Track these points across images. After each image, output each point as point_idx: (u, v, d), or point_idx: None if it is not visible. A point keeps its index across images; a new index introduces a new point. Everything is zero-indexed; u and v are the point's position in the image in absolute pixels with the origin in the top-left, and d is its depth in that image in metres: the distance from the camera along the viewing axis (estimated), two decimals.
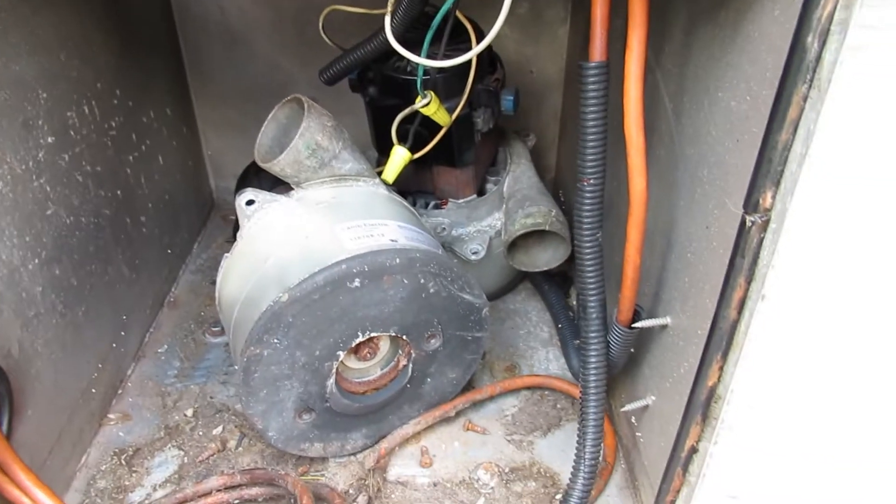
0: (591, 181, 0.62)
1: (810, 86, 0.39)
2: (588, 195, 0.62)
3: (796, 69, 0.39)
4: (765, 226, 0.44)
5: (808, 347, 0.48)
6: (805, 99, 0.39)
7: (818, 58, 0.38)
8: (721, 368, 0.51)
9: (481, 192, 1.02)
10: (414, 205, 0.99)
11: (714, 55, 0.57)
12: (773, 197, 0.43)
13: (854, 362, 0.49)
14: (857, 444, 0.55)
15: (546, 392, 0.93)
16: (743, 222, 0.46)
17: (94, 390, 0.87)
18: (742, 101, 0.52)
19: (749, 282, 0.46)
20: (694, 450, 0.57)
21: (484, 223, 1.00)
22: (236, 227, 1.00)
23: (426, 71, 0.83)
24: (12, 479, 0.64)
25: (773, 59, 0.46)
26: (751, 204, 0.45)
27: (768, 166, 0.42)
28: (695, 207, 0.61)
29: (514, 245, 0.97)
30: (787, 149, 0.41)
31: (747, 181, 0.48)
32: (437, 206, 1.00)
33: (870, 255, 0.44)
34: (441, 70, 0.84)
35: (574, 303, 1.07)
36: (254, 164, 0.98)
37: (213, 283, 1.14)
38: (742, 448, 0.54)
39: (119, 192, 0.93)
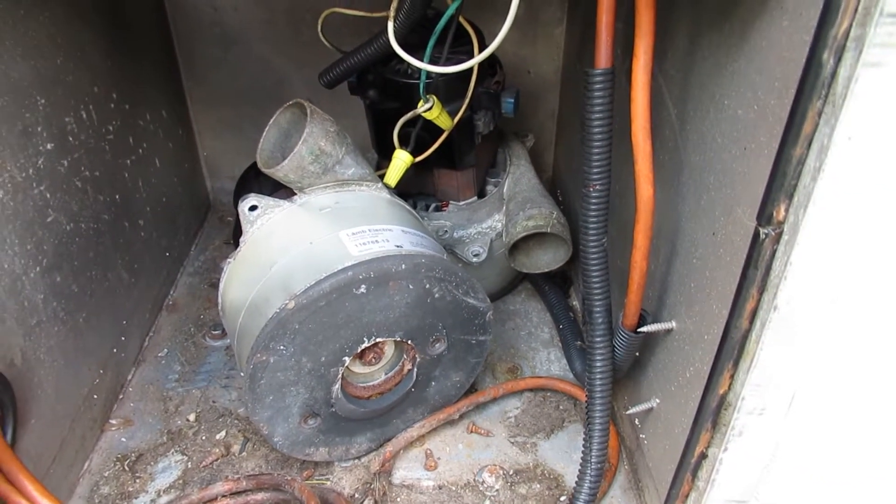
0: (597, 187, 0.62)
1: (825, 101, 0.39)
2: (594, 201, 0.62)
3: (811, 85, 0.40)
4: (778, 238, 0.45)
5: (819, 357, 0.49)
6: (819, 114, 0.40)
7: (833, 74, 0.38)
8: (732, 377, 0.52)
9: (482, 194, 1.03)
10: (415, 207, 0.99)
11: (719, 62, 0.57)
12: (787, 210, 0.43)
13: (865, 372, 0.50)
14: (869, 453, 0.55)
15: (548, 393, 0.93)
16: (756, 234, 0.46)
17: (95, 396, 0.87)
18: (749, 110, 0.52)
19: (761, 293, 0.47)
20: (703, 455, 0.57)
21: (485, 225, 1.00)
22: (235, 229, 1.00)
23: (428, 74, 0.83)
24: (19, 490, 0.63)
25: (782, 69, 0.46)
26: (764, 216, 0.45)
27: (782, 179, 0.43)
28: (700, 213, 0.61)
29: (516, 247, 0.98)
30: (801, 163, 0.42)
31: (756, 190, 0.48)
32: (437, 209, 1.00)
33: (882, 268, 0.44)
34: (443, 74, 0.84)
35: (574, 303, 1.07)
36: (253, 167, 0.98)
37: (212, 285, 1.15)
38: (752, 454, 0.55)
39: (117, 197, 0.93)
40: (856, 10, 0.36)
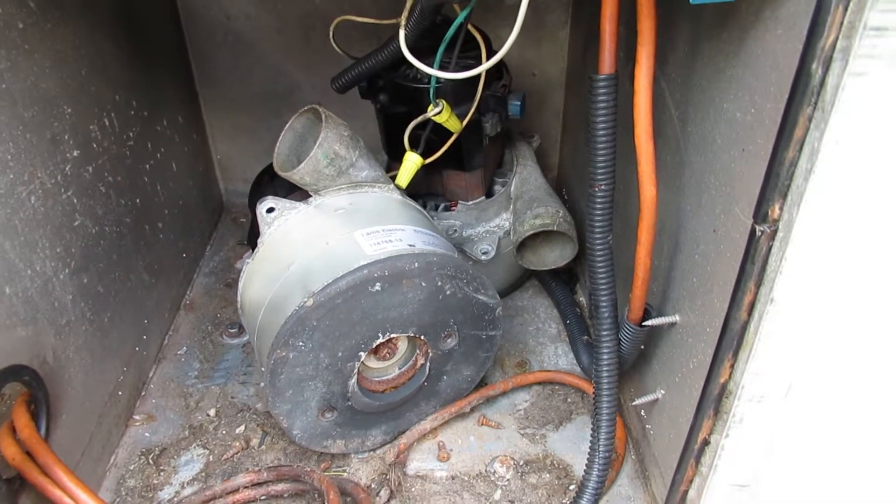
0: (602, 187, 0.65)
1: (815, 107, 0.42)
2: (599, 201, 0.65)
3: (801, 92, 0.42)
4: (773, 235, 0.47)
5: (814, 345, 0.52)
6: (810, 119, 0.43)
7: (822, 82, 0.41)
8: (732, 366, 0.55)
9: (489, 194, 1.05)
10: (425, 207, 1.02)
11: (718, 67, 0.60)
12: (781, 208, 0.46)
13: (857, 360, 0.53)
14: (863, 437, 0.58)
15: (556, 387, 0.96)
16: (753, 231, 0.49)
17: (120, 393, 0.90)
18: (747, 113, 0.55)
19: (758, 286, 0.50)
20: (706, 442, 0.60)
21: (493, 224, 1.03)
22: (251, 230, 1.03)
23: (437, 79, 0.85)
24: (55, 482, 0.67)
25: (777, 75, 0.49)
26: (760, 214, 0.48)
27: (776, 180, 0.46)
28: (701, 211, 0.64)
29: (523, 245, 1.01)
30: (793, 164, 0.44)
31: (754, 189, 0.51)
32: (447, 208, 1.03)
33: (871, 262, 0.47)
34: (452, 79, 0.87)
35: (581, 298, 1.10)
36: (268, 170, 1.01)
37: (227, 285, 1.18)
38: (752, 440, 0.58)
39: (138, 201, 0.96)
40: (841, 23, 0.39)
